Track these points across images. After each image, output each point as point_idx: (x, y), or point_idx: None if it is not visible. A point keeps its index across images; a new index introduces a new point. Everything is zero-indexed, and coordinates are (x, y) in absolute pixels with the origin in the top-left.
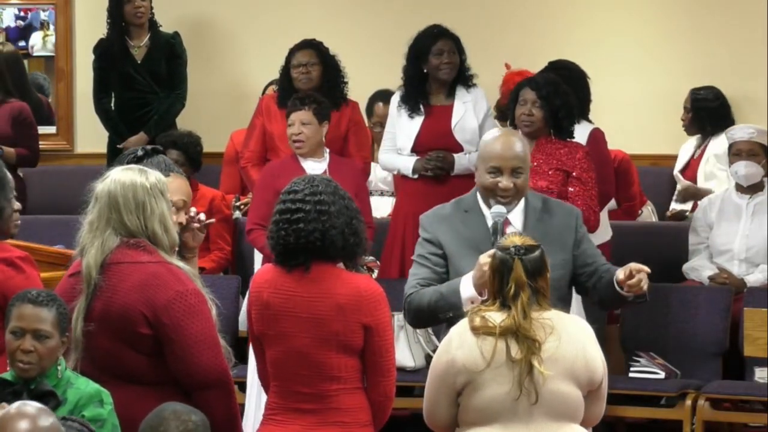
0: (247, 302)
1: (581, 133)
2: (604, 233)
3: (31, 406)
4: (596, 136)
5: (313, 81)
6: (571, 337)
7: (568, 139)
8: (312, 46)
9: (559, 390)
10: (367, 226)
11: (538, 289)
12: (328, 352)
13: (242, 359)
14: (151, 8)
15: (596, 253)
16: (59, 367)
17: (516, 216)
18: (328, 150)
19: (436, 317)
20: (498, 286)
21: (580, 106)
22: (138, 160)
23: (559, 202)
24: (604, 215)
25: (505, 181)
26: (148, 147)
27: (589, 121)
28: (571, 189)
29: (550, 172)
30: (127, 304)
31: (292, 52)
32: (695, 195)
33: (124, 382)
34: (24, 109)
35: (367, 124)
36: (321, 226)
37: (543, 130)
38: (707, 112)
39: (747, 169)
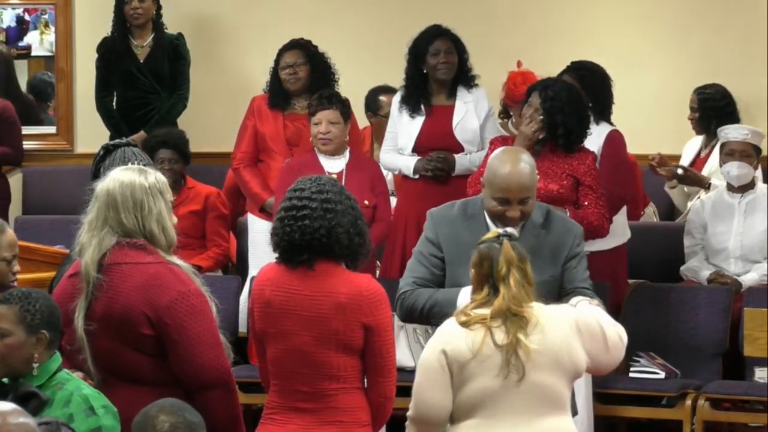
0: (245, 302)
1: (599, 134)
2: (622, 234)
3: (4, 404)
4: (614, 137)
5: (301, 81)
6: (555, 329)
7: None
8: (299, 46)
9: (544, 381)
10: (383, 221)
11: (525, 273)
12: (328, 351)
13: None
14: (160, 8)
15: (581, 278)
16: (35, 365)
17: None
18: (348, 148)
19: (428, 321)
20: (487, 272)
21: (601, 108)
22: (102, 160)
23: (563, 217)
24: (622, 216)
25: (513, 212)
26: (110, 143)
27: (610, 123)
28: (585, 202)
29: (562, 176)
30: (129, 305)
31: (281, 53)
32: (694, 181)
33: (126, 382)
34: (6, 107)
35: (372, 121)
36: (327, 223)
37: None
38: (715, 111)
39: (739, 170)
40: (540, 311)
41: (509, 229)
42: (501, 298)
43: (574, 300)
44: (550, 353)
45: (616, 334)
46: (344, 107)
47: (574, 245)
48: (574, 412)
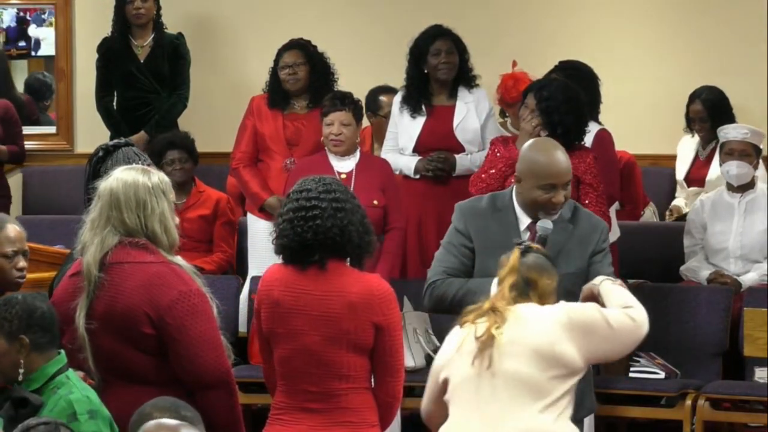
0: (245, 302)
1: (588, 133)
2: (612, 233)
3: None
4: (602, 137)
5: (300, 81)
6: (537, 325)
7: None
8: (298, 46)
9: (518, 369)
10: (395, 227)
11: (530, 282)
12: (339, 350)
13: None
14: (159, 8)
15: (606, 273)
16: (20, 371)
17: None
18: (359, 148)
19: (458, 310)
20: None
21: (589, 107)
22: (103, 160)
23: (589, 213)
24: (611, 215)
25: (558, 196)
26: (110, 144)
27: (598, 122)
28: (586, 201)
29: None
30: (131, 304)
31: (280, 53)
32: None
33: (126, 382)
34: (9, 107)
35: (372, 121)
36: (339, 222)
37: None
38: (722, 113)
39: (739, 170)
40: (525, 309)
41: (549, 224)
42: (490, 301)
43: (598, 279)
44: (526, 344)
45: (624, 314)
46: (357, 108)
47: (600, 241)
48: (588, 411)
